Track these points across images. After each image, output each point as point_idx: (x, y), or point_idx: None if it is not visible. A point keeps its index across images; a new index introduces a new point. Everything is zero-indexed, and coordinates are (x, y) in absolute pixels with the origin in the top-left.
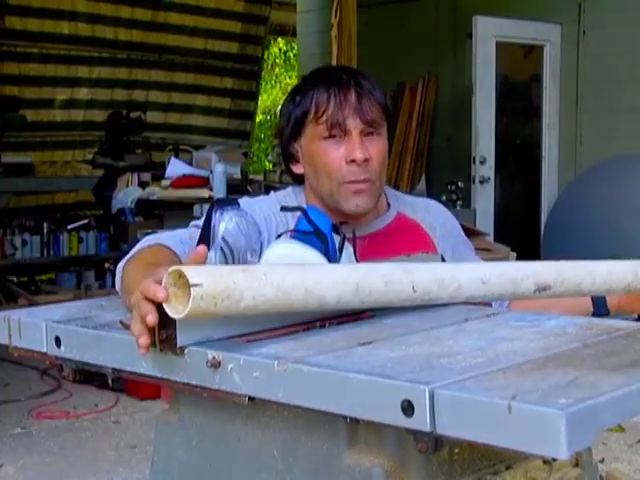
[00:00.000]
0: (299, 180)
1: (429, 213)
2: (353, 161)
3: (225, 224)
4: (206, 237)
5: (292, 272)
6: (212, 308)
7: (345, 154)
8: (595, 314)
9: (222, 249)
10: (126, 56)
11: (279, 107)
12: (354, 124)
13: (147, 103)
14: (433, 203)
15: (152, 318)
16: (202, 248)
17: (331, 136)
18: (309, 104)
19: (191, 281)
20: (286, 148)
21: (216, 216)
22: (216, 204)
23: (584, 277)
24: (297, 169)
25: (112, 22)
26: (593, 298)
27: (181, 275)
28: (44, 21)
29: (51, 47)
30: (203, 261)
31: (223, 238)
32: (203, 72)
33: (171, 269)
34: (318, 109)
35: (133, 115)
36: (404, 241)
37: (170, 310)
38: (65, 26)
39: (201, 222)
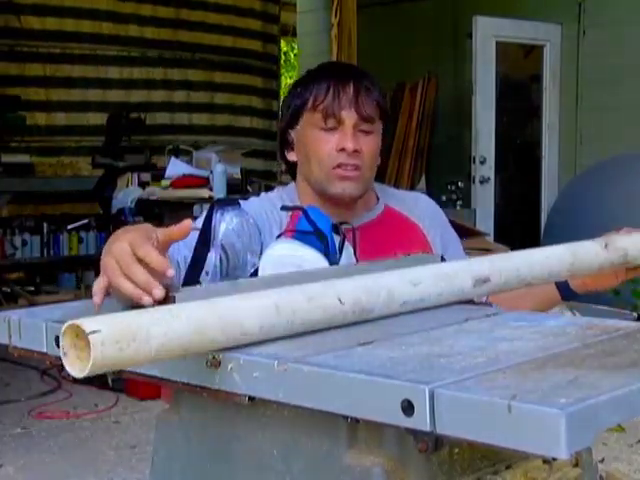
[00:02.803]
0: (292, 169)
1: (417, 206)
2: (343, 150)
3: (226, 224)
4: (206, 237)
5: (202, 303)
6: (118, 353)
7: (336, 143)
8: (565, 298)
9: (222, 250)
10: (157, 55)
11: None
12: (349, 116)
13: (191, 104)
14: (421, 196)
15: (158, 292)
16: (188, 221)
17: (326, 126)
18: (309, 94)
19: (87, 329)
20: (283, 135)
21: (217, 216)
22: (216, 204)
23: (520, 264)
24: (291, 156)
25: (137, 20)
26: (557, 285)
27: (78, 334)
28: (64, 20)
29: (75, 47)
30: (187, 232)
31: (222, 240)
32: (237, 71)
33: (66, 325)
34: (316, 99)
35: (133, 115)
36: (394, 232)
37: (74, 370)
38: (87, 25)
39: (199, 223)
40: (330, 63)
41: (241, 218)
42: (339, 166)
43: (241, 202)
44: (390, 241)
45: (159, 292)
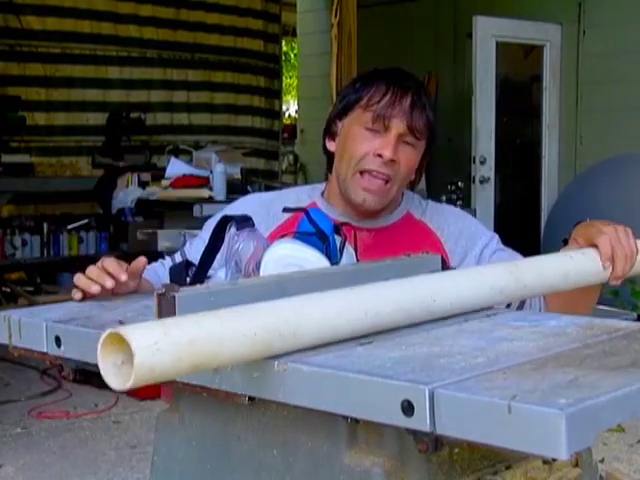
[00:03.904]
0: (330, 161)
1: (438, 215)
2: (380, 156)
3: (240, 245)
4: (215, 244)
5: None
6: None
7: (376, 147)
8: None
9: (233, 270)
10: (156, 55)
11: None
12: (397, 125)
13: (191, 104)
14: (445, 207)
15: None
16: (142, 258)
17: (373, 128)
18: (366, 92)
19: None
20: (330, 124)
21: (230, 233)
22: (232, 222)
23: (554, 280)
24: (330, 146)
25: (137, 21)
26: None
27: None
28: (64, 20)
29: (75, 47)
30: (141, 268)
31: (236, 262)
32: (238, 71)
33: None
34: (372, 98)
35: (133, 115)
36: (409, 237)
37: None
38: (87, 25)
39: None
40: (396, 69)
41: (253, 239)
42: (369, 172)
43: (255, 195)
44: (402, 246)
45: (109, 283)
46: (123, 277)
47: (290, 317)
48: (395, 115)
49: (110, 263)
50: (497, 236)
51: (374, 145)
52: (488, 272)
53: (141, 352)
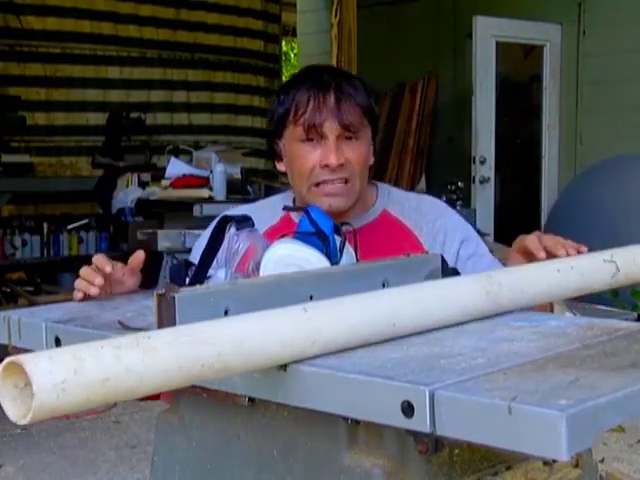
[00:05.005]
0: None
1: (417, 211)
2: (327, 166)
3: (240, 245)
4: (214, 244)
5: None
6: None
7: (320, 158)
8: None
9: (233, 269)
10: (156, 55)
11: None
12: (331, 128)
13: (191, 104)
14: (425, 200)
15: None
16: (140, 252)
17: (308, 139)
18: (290, 104)
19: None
20: (271, 145)
21: (230, 233)
22: (232, 222)
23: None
24: (280, 167)
25: (137, 21)
26: None
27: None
28: (64, 20)
29: (75, 47)
30: (139, 263)
31: (235, 261)
32: (238, 71)
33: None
34: (297, 111)
35: (133, 115)
36: (386, 237)
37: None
38: (87, 25)
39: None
40: (311, 68)
41: (253, 239)
42: (324, 182)
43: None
44: (380, 246)
45: (99, 280)
46: (107, 268)
47: (224, 350)
48: (325, 119)
49: (98, 259)
50: (478, 239)
51: (317, 156)
52: (462, 293)
53: (42, 395)
